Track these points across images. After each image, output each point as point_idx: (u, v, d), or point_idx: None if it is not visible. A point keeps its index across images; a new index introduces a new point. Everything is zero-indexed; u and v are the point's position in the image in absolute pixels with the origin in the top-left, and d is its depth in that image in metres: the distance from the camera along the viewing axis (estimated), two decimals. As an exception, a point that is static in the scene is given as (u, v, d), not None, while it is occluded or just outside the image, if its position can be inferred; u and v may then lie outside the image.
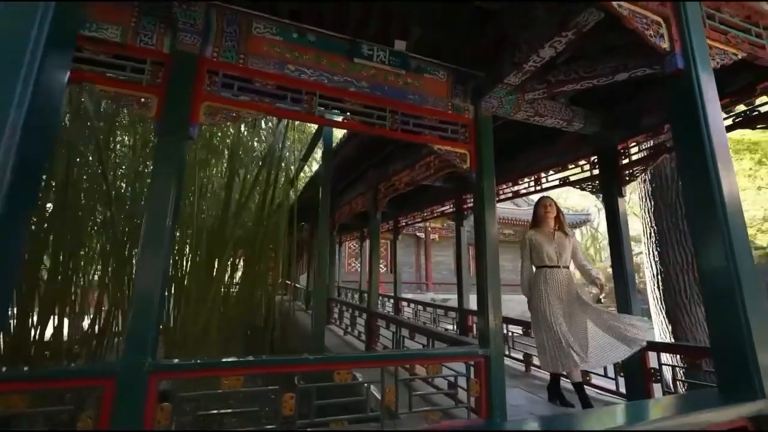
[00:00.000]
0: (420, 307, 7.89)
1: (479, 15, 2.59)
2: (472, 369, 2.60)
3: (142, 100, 2.22)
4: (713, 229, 1.60)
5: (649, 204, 4.66)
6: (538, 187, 4.61)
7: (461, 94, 3.05)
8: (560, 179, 4.28)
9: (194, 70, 2.31)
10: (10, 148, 0.67)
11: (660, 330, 4.36)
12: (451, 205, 6.40)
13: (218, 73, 2.39)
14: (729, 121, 2.90)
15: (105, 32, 2.18)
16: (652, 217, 4.60)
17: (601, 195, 3.74)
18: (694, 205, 1.70)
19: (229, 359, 2.21)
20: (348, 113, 2.69)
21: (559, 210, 3.40)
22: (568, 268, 3.25)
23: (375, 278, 5.55)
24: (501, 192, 5.06)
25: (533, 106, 3.28)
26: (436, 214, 7.05)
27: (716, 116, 1.70)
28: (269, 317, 6.54)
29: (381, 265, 12.53)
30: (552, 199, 3.46)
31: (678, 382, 3.22)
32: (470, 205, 5.85)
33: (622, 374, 3.46)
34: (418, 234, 16.84)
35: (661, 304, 4.39)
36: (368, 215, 5.94)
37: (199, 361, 2.11)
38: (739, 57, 2.07)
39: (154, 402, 1.92)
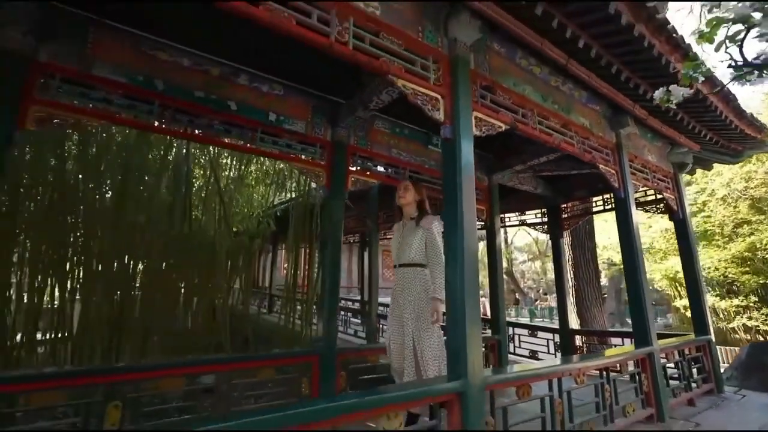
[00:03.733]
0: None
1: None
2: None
3: (317, 172, 3.37)
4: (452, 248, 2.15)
5: (568, 240, 6.95)
6: (501, 224, 6.51)
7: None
8: (520, 221, 6.22)
9: (345, 153, 3.52)
10: None
11: (574, 321, 6.62)
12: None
13: (356, 154, 3.63)
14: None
15: (295, 125, 3.30)
16: (571, 249, 6.88)
17: (548, 234, 5.75)
18: (447, 236, 2.18)
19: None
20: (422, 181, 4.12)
21: (419, 194, 2.79)
22: (410, 266, 2.64)
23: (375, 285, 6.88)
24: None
25: (518, 176, 5.08)
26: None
27: (469, 175, 2.18)
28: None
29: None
30: (410, 183, 2.85)
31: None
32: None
33: (559, 351, 5.44)
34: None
35: (574, 305, 6.65)
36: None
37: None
38: (503, 128, 2.55)
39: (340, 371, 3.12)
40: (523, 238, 31.09)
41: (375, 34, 2.03)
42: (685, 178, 5.04)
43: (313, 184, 4.69)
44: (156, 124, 2.86)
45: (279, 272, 16.97)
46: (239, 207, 8.01)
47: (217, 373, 2.82)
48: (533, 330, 5.93)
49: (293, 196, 7.78)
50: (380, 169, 3.92)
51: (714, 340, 4.18)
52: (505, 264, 31.24)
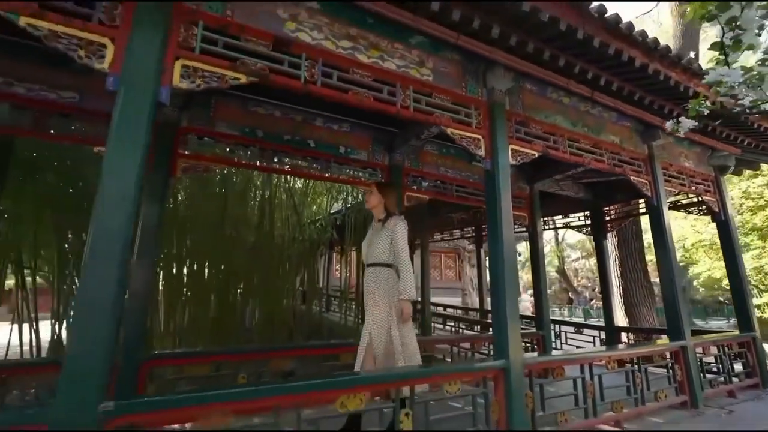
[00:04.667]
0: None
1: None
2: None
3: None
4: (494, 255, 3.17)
5: (614, 240, 7.10)
6: (546, 227, 6.84)
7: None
8: (564, 223, 6.53)
9: (401, 174, 4.17)
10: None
11: (622, 320, 6.78)
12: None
13: (410, 174, 4.27)
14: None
15: (359, 155, 4.00)
16: (617, 250, 7.04)
17: (592, 237, 6.03)
18: (492, 257, 2.76)
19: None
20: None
21: (384, 195, 2.82)
22: (378, 266, 2.67)
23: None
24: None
25: (558, 184, 5.45)
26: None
27: (507, 198, 2.73)
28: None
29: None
30: (374, 186, 2.88)
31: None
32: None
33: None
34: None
35: (622, 304, 6.82)
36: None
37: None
38: (536, 155, 3.06)
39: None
40: (576, 234, 30.04)
41: (429, 95, 2.65)
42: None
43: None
44: (257, 163, 3.70)
45: (332, 274, 18.17)
46: (304, 217, 8.97)
47: (300, 357, 3.58)
48: (579, 327, 6.22)
49: (348, 204, 8.59)
50: (429, 184, 4.55)
51: (759, 336, 4.31)
52: (556, 262, 30.42)
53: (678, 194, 5.03)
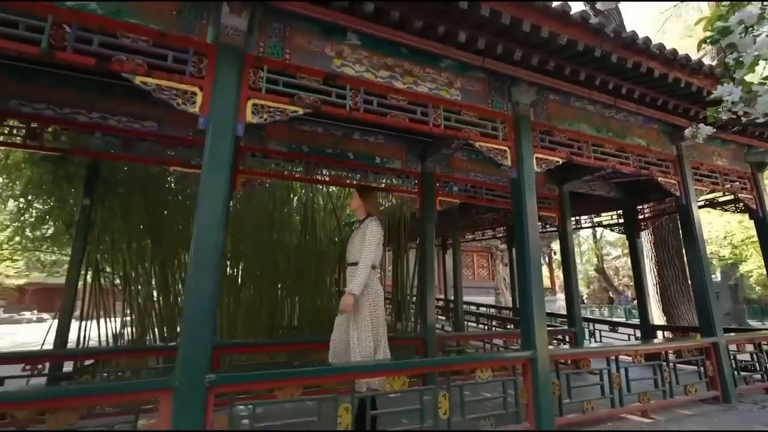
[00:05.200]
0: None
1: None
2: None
3: (412, 198, 4.38)
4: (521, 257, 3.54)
5: (651, 239, 7.03)
6: (578, 226, 6.89)
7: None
8: (596, 222, 6.57)
9: (433, 181, 4.47)
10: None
11: (660, 319, 6.72)
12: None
13: (441, 180, 4.56)
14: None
15: (394, 164, 4.34)
16: (653, 248, 6.97)
17: (624, 235, 6.06)
18: (518, 257, 3.49)
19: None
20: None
21: (363, 198, 2.96)
22: (353, 264, 2.79)
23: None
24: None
25: (587, 184, 5.54)
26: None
27: (532, 204, 3.01)
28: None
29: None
30: (355, 190, 3.07)
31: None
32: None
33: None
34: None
35: (659, 303, 6.75)
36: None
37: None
38: (560, 162, 3.31)
39: (438, 351, 4.07)
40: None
41: (457, 113, 2.95)
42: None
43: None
44: (303, 175, 4.14)
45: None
46: (341, 220, 9.44)
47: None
48: (614, 325, 6.25)
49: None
50: (460, 189, 4.81)
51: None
52: (595, 260, 29.38)
53: (711, 192, 5.02)
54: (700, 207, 4.79)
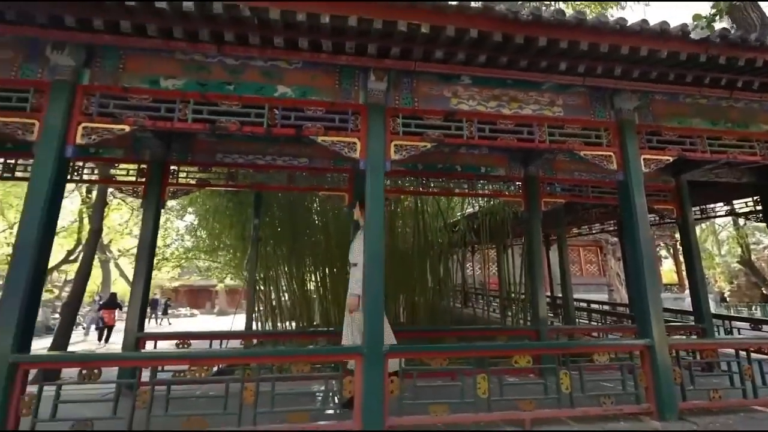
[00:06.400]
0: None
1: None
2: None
3: (518, 202, 4.77)
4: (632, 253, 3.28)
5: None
6: (703, 216, 6.36)
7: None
8: (727, 211, 6.03)
9: (537, 184, 4.78)
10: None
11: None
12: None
13: (544, 182, 4.85)
14: None
15: (498, 171, 4.77)
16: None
17: (766, 224, 5.49)
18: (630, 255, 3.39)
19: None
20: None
21: (362, 210, 3.10)
22: (355, 265, 3.26)
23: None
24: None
25: (710, 172, 5.20)
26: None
27: (642, 202, 3.19)
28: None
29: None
30: (359, 203, 3.45)
31: None
32: None
33: None
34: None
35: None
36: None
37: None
38: (671, 160, 3.43)
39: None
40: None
41: (560, 127, 3.32)
42: None
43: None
44: (416, 188, 4.87)
45: (465, 272, 18.92)
46: (436, 221, 10.05)
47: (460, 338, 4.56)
48: (756, 323, 5.67)
49: (481, 208, 9.32)
50: (564, 188, 5.02)
51: None
52: (739, 251, 24.82)
53: None
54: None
